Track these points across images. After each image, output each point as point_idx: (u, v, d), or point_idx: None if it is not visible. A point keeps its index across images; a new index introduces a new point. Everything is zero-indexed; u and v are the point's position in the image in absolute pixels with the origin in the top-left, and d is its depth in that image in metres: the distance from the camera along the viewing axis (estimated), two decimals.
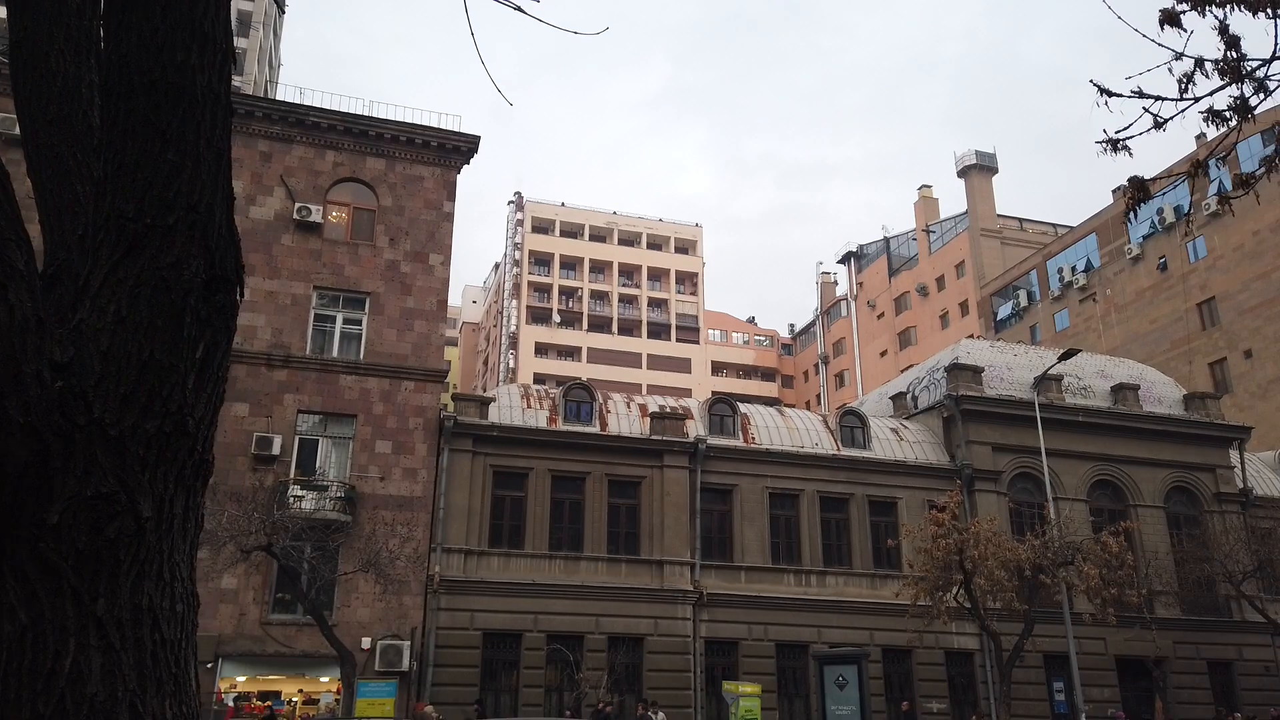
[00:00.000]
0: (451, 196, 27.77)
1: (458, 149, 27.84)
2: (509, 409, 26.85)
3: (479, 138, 27.87)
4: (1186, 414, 31.60)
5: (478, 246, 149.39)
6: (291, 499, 22.66)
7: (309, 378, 24.62)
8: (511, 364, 72.46)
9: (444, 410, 25.83)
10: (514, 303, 75.17)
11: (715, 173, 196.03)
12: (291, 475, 23.58)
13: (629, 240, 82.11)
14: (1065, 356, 28.65)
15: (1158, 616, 27.26)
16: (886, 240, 77.47)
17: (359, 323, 25.90)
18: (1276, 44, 5.21)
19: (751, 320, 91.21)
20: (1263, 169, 6.26)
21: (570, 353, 75.91)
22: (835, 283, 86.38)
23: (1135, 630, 25.96)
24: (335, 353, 25.45)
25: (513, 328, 74.22)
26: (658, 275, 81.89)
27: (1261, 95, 5.49)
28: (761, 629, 25.99)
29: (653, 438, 26.88)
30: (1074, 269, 58.94)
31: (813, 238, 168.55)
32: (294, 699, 23.42)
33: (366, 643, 22.50)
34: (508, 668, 24.33)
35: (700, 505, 26.70)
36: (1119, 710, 25.72)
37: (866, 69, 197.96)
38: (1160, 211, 51.40)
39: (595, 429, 26.97)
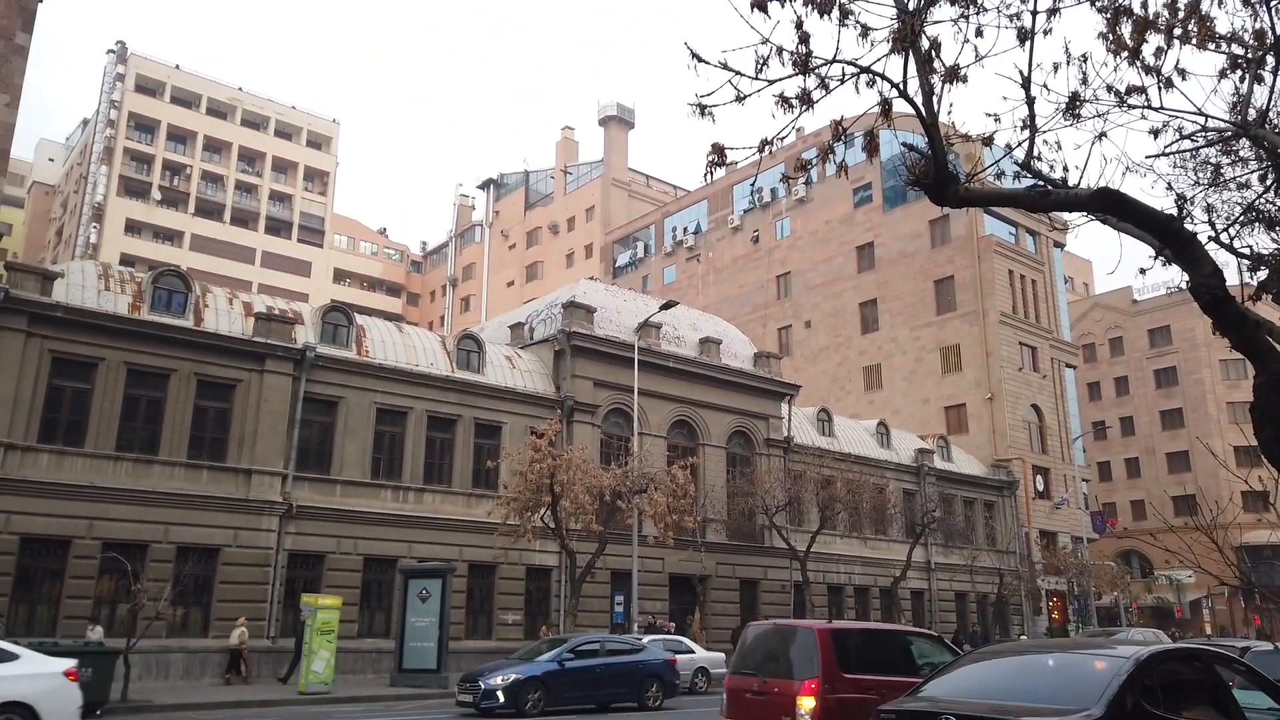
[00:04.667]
0: (28, 28, 23.14)
1: None
2: (81, 288, 23.38)
3: None
4: (755, 369, 36.43)
5: (65, 100, 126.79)
6: None
7: None
8: (93, 239, 62.91)
9: None
10: (104, 169, 65.02)
11: (370, 73, 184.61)
12: None
13: (255, 123, 74.59)
14: (665, 307, 31.62)
15: (708, 541, 31.48)
16: (526, 174, 78.76)
17: None
18: (838, 47, 6.14)
19: (383, 231, 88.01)
20: (816, 158, 7.41)
21: (171, 236, 67.68)
22: (473, 207, 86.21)
23: (688, 552, 29.76)
24: None
25: (99, 197, 64.29)
26: (284, 167, 75.56)
27: (823, 91, 6.44)
28: (351, 543, 25.71)
29: (255, 339, 25.07)
30: (686, 230, 64.74)
31: (459, 156, 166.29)
32: None
33: None
34: (51, 577, 21.57)
35: (301, 415, 25.55)
36: (668, 620, 29.37)
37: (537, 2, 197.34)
38: (760, 190, 58.02)
39: (188, 323, 24.49)
